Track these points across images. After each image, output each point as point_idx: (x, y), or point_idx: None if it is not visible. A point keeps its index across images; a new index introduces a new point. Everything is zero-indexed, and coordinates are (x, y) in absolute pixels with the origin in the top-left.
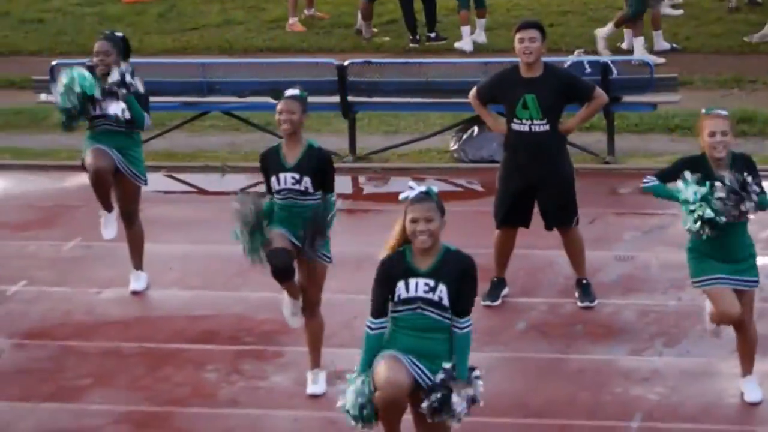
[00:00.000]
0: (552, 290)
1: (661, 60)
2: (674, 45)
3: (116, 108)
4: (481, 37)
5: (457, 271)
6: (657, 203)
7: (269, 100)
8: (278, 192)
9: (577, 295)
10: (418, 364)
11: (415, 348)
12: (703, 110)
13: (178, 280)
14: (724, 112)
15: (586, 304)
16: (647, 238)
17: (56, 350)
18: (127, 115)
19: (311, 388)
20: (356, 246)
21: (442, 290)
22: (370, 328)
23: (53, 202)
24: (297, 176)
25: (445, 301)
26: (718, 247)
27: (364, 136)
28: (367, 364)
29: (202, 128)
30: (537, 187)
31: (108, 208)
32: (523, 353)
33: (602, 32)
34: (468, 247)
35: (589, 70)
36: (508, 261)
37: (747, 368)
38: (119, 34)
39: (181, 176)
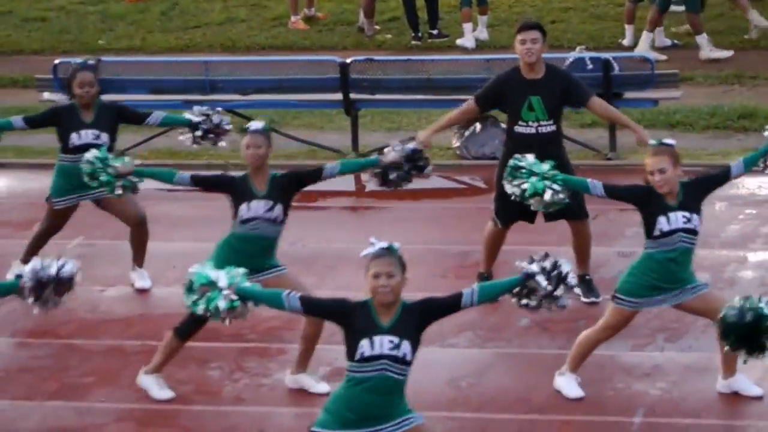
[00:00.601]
0: None
1: (663, 57)
2: (675, 41)
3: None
4: (483, 34)
5: (415, 321)
6: None
7: (272, 97)
8: (246, 222)
9: (580, 291)
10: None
11: (371, 414)
12: (651, 142)
13: (180, 277)
14: (667, 144)
15: (592, 299)
16: None
17: (60, 348)
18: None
19: (317, 388)
20: (358, 243)
21: (406, 346)
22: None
23: None
24: (270, 204)
25: (409, 357)
26: (667, 280)
27: (367, 133)
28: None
29: None
30: None
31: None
32: (526, 349)
33: (643, 44)
34: (469, 243)
35: (590, 66)
36: (496, 255)
37: (735, 366)
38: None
39: None
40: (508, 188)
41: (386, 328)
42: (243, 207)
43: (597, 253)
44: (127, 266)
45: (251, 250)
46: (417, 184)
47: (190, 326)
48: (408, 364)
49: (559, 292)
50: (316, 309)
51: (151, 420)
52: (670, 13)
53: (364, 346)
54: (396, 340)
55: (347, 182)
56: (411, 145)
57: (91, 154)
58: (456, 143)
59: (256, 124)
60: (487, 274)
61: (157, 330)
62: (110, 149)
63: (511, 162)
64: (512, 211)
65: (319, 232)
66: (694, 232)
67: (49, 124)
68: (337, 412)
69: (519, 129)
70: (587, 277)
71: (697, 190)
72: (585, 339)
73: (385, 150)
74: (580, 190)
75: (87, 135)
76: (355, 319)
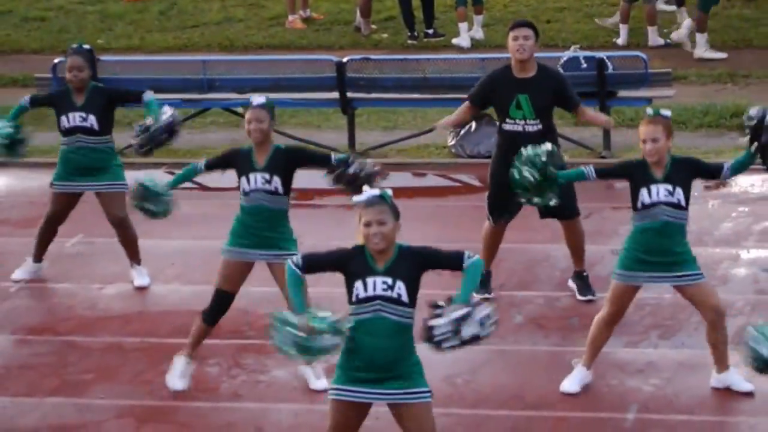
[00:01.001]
0: (549, 284)
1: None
2: (668, 40)
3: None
4: (478, 33)
5: (411, 264)
6: None
7: (270, 96)
8: (248, 194)
9: (576, 288)
10: (368, 390)
11: (374, 362)
12: (647, 111)
13: (179, 275)
14: (663, 114)
15: (589, 297)
16: None
17: (59, 345)
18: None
19: (316, 384)
20: (355, 241)
21: (400, 287)
22: (298, 267)
23: None
24: (267, 176)
25: (404, 298)
26: (656, 256)
27: (363, 131)
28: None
29: (203, 125)
30: None
31: (39, 255)
32: (520, 346)
33: (699, 49)
34: (465, 241)
35: (585, 65)
36: (495, 254)
37: (727, 361)
38: (87, 46)
39: None
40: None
41: (381, 270)
42: (244, 180)
43: (591, 251)
44: (125, 264)
45: (256, 221)
46: (413, 182)
47: (215, 311)
48: (404, 305)
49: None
50: (318, 266)
51: (150, 416)
52: (662, 12)
53: (359, 288)
54: (390, 281)
55: None
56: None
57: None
58: (451, 142)
59: (258, 99)
60: (485, 272)
61: (155, 327)
62: (102, 132)
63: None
64: (502, 208)
65: (316, 230)
66: (677, 206)
67: (48, 104)
68: (346, 363)
69: (507, 126)
70: (583, 274)
71: (685, 168)
72: (593, 330)
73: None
74: (580, 180)
75: (75, 118)
76: (351, 264)
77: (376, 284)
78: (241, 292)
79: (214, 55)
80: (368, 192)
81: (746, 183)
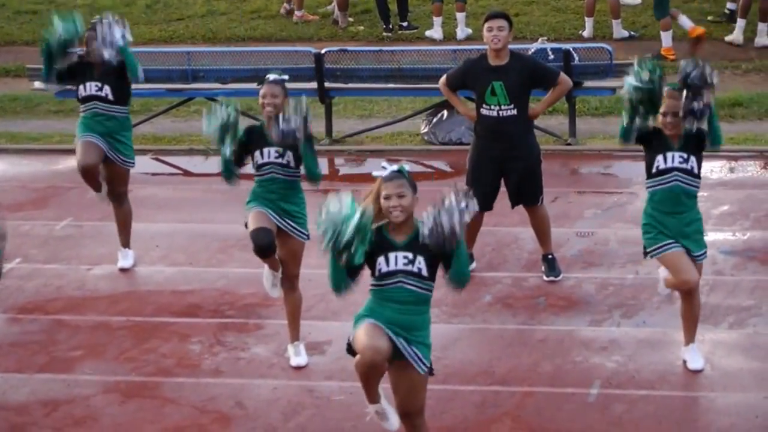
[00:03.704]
0: (517, 265)
1: None
2: (632, 33)
3: (110, 54)
4: (464, 32)
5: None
6: (616, 183)
7: (250, 86)
8: (261, 166)
9: (543, 269)
10: (397, 333)
11: (394, 320)
12: (666, 87)
13: (163, 257)
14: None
15: (552, 278)
16: (606, 215)
17: (49, 324)
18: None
19: (295, 360)
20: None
21: (421, 261)
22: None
23: (46, 184)
24: (280, 150)
25: (425, 272)
26: (671, 222)
27: (340, 120)
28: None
29: (187, 113)
30: (505, 170)
31: (97, 189)
32: (489, 324)
33: (761, 38)
34: None
35: (552, 56)
36: (475, 238)
37: (691, 337)
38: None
39: (167, 159)
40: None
41: (401, 245)
42: (257, 153)
43: (557, 233)
44: (113, 246)
45: (269, 193)
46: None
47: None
48: (425, 278)
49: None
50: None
51: (135, 391)
52: (626, 7)
53: (381, 263)
54: (410, 255)
55: (321, 166)
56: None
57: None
58: (424, 129)
59: (274, 75)
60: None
61: (141, 306)
62: (117, 101)
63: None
64: (482, 197)
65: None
66: (690, 173)
67: (71, 76)
68: (372, 315)
69: (483, 112)
70: (550, 257)
71: (696, 140)
72: (683, 305)
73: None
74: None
75: (91, 87)
76: (374, 243)
77: (398, 259)
78: (222, 273)
79: (198, 46)
80: (387, 167)
81: (705, 169)
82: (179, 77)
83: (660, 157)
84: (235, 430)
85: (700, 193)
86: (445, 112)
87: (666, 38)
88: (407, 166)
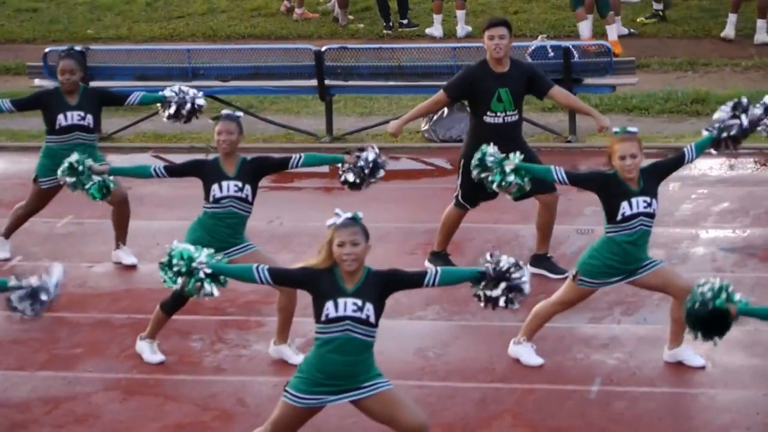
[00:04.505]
0: None
1: None
2: (632, 30)
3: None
4: (464, 29)
5: (379, 287)
6: None
7: (251, 83)
8: (220, 200)
9: (546, 269)
10: (342, 387)
11: (338, 374)
12: (615, 130)
13: (164, 254)
14: (633, 132)
15: (559, 276)
16: None
17: (50, 321)
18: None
19: (295, 359)
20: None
21: (369, 308)
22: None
23: None
24: (240, 184)
25: (372, 319)
26: (627, 261)
27: (341, 117)
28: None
29: None
30: None
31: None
32: (489, 322)
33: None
34: (437, 222)
35: (551, 54)
36: (452, 237)
37: (682, 338)
38: (78, 48)
39: (168, 156)
40: (474, 175)
41: (350, 291)
42: (215, 187)
43: (557, 230)
44: (113, 244)
45: (223, 227)
46: (387, 165)
47: (174, 303)
48: (372, 325)
49: (497, 292)
50: (286, 279)
51: (136, 389)
52: (626, 4)
53: (329, 308)
54: (359, 302)
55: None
56: (372, 156)
57: (68, 161)
58: (424, 126)
59: (228, 112)
60: (443, 253)
61: (142, 304)
62: (95, 130)
63: (478, 155)
64: (479, 195)
65: (295, 211)
66: (653, 215)
67: (34, 107)
68: (308, 372)
69: (488, 119)
70: (550, 257)
71: (655, 176)
72: (541, 310)
73: (351, 156)
74: (545, 178)
75: (73, 116)
76: (321, 284)
77: (347, 305)
78: None
79: (198, 44)
80: (341, 215)
81: (705, 166)
82: (179, 75)
83: (625, 204)
84: (237, 428)
85: (699, 190)
86: (446, 110)
87: (611, 32)
88: (360, 214)
